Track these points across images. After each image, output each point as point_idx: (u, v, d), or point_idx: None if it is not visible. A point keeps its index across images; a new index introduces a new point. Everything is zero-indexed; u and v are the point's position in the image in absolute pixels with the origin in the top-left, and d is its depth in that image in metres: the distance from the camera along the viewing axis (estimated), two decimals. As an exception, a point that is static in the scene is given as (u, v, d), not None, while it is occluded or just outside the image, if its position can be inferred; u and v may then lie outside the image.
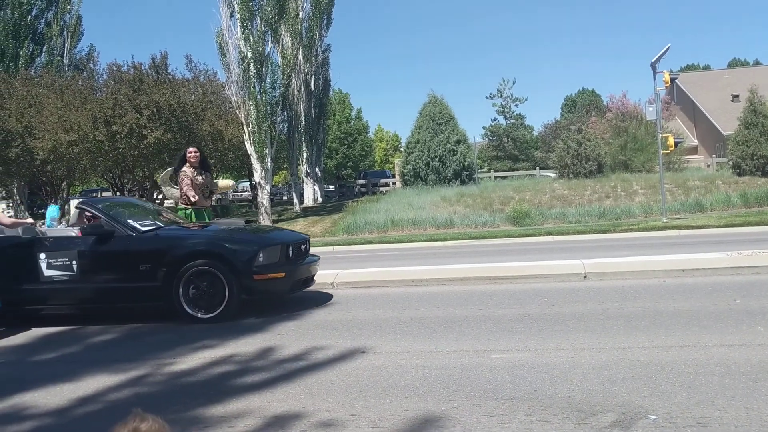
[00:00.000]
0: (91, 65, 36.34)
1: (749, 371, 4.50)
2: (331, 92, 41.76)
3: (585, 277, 8.84)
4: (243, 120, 25.35)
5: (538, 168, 43.44)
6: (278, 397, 4.64)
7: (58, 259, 7.57)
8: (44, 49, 36.34)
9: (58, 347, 6.83)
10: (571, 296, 7.71)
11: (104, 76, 29.17)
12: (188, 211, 9.69)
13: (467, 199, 26.11)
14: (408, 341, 6.03)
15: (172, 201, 10.37)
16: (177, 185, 9.99)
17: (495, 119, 57.36)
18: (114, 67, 25.77)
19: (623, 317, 6.38)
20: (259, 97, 25.25)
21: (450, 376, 4.84)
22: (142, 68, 24.43)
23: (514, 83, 59.04)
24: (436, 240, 19.29)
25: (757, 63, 60.94)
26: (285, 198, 41.66)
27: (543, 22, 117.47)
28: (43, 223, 9.00)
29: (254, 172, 26.48)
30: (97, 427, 4.36)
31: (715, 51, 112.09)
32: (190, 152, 9.85)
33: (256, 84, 25.27)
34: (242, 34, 25.16)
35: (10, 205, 32.49)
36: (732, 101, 42.63)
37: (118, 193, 33.90)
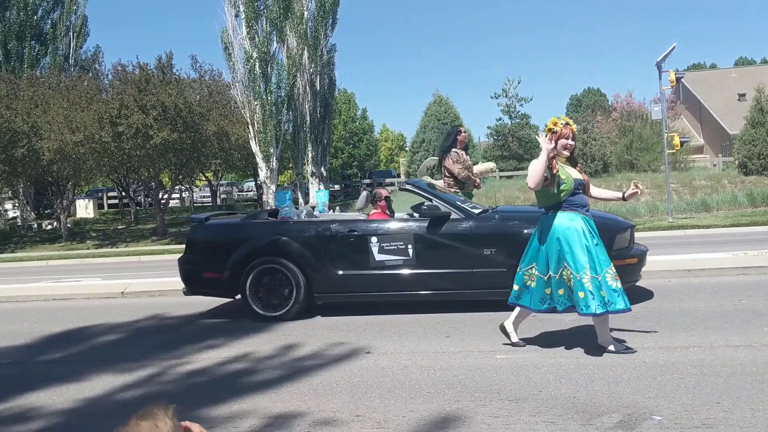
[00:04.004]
0: (97, 65, 36.46)
1: (755, 372, 4.49)
2: (336, 92, 41.71)
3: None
4: (248, 120, 25.37)
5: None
6: (283, 397, 4.66)
7: (392, 243, 7.10)
8: (50, 50, 36.44)
9: (64, 347, 6.86)
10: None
11: (110, 77, 29.24)
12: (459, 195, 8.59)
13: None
14: (413, 342, 6.03)
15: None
16: (441, 172, 9.03)
17: (500, 119, 57.05)
18: (119, 68, 25.81)
19: (628, 317, 6.36)
20: (264, 96, 25.27)
21: (455, 376, 4.84)
22: (148, 68, 24.45)
23: (519, 83, 58.60)
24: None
25: (764, 62, 60.72)
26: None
27: (547, 21, 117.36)
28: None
29: (259, 171, 26.51)
30: (103, 428, 4.37)
31: (721, 50, 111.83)
32: (462, 133, 9.01)
33: (261, 84, 25.29)
34: (247, 34, 25.18)
35: (16, 204, 32.60)
36: (738, 100, 42.46)
37: (123, 193, 34.05)
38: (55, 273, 15.67)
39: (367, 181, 44.27)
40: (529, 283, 5.30)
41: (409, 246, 7.04)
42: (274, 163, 26.07)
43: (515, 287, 5.39)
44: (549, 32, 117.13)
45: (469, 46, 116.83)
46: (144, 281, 11.21)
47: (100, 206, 38.67)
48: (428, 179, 9.39)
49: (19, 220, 31.39)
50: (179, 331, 7.29)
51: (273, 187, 26.50)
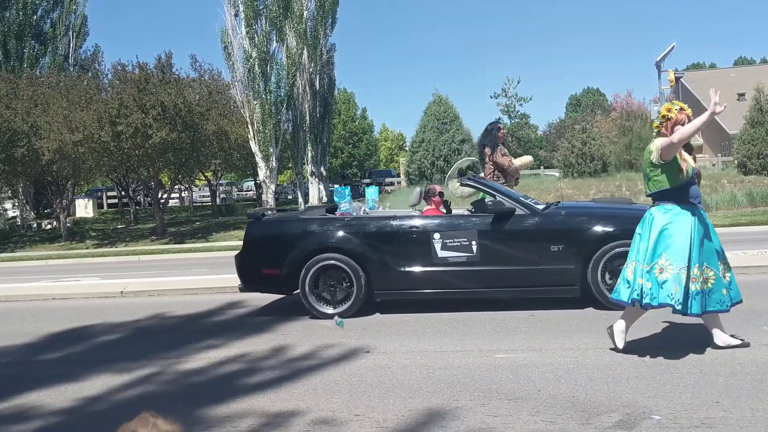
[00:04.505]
0: (96, 65, 36.47)
1: (755, 371, 4.48)
2: (336, 91, 41.73)
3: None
4: (248, 119, 25.39)
5: (542, 167, 43.37)
6: (282, 396, 4.65)
7: (456, 240, 6.98)
8: (49, 50, 36.43)
9: (63, 346, 6.85)
10: (571, 296, 7.69)
11: (109, 76, 29.25)
12: None
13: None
14: (412, 341, 6.03)
15: (460, 195, 9.02)
16: (483, 169, 8.81)
17: (499, 118, 57.31)
18: (119, 67, 25.84)
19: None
20: (263, 96, 25.29)
21: (454, 375, 4.84)
22: (148, 68, 24.46)
23: (518, 82, 58.86)
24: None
25: (763, 61, 60.69)
26: (290, 197, 41.67)
27: (547, 20, 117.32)
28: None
29: (259, 170, 26.52)
30: (102, 428, 4.37)
31: (720, 49, 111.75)
32: (501, 129, 8.82)
33: (260, 83, 25.31)
34: (247, 33, 25.20)
35: (15, 204, 32.59)
36: (738, 100, 42.41)
37: (123, 192, 34.04)
38: (55, 272, 15.66)
39: (367, 180, 44.30)
40: (702, 286, 4.83)
41: (473, 242, 6.94)
42: (274, 163, 26.08)
43: (675, 294, 4.80)
44: (549, 32, 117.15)
45: (469, 46, 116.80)
46: (143, 281, 11.21)
47: (100, 206, 38.64)
48: (454, 183, 9.26)
49: (18, 220, 31.38)
50: (178, 331, 7.28)
51: (272, 187, 26.50)
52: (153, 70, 25.12)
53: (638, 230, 5.09)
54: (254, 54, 25.13)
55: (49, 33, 36.72)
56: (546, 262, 6.82)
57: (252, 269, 7.64)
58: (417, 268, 7.10)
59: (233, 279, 10.59)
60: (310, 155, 34.90)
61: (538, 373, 4.75)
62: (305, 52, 30.90)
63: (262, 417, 4.24)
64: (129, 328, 7.59)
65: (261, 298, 8.54)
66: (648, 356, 5.01)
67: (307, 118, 33.90)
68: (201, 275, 12.24)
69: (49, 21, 37.16)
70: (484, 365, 5.07)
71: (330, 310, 7.19)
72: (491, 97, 57.73)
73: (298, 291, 7.36)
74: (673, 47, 18.62)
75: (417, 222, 7.25)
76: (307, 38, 30.93)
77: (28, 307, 9.77)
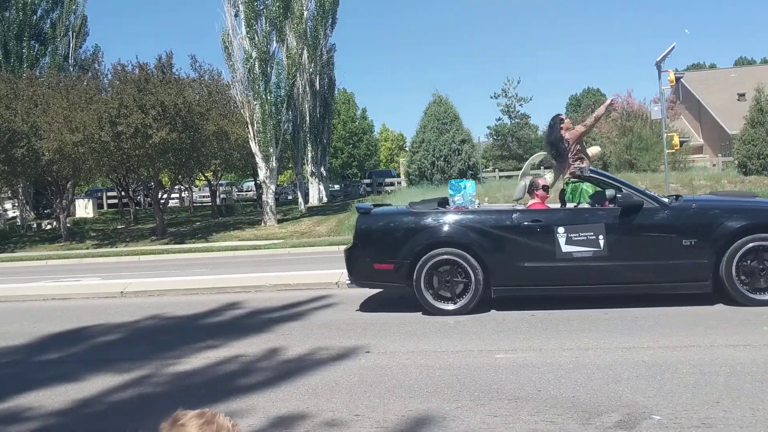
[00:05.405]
0: (96, 65, 36.43)
1: (755, 372, 4.48)
2: (336, 92, 41.80)
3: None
4: (248, 119, 25.37)
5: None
6: (282, 397, 4.64)
7: (581, 234, 6.74)
8: (49, 50, 36.41)
9: (63, 347, 6.85)
10: (572, 296, 7.69)
11: (109, 76, 29.22)
12: (583, 185, 8.02)
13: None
14: (412, 341, 6.02)
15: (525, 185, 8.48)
16: (561, 160, 8.47)
17: (500, 119, 57.24)
18: (119, 67, 25.82)
19: (628, 317, 6.36)
20: (264, 96, 25.26)
21: (454, 376, 4.83)
22: (148, 68, 24.46)
23: (518, 83, 58.84)
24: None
25: (764, 62, 60.64)
26: (290, 197, 41.67)
27: (547, 20, 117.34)
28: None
29: (259, 171, 26.48)
30: (101, 428, 4.37)
31: (721, 50, 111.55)
32: (565, 120, 8.57)
33: (261, 83, 25.27)
34: (247, 33, 25.16)
35: (15, 204, 32.59)
36: (738, 100, 42.44)
37: (123, 192, 34.04)
38: (55, 273, 15.65)
39: (367, 180, 44.28)
40: None
41: (600, 236, 6.70)
42: (274, 163, 26.05)
43: None
44: (549, 32, 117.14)
45: (469, 46, 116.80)
46: (143, 281, 11.20)
47: (100, 206, 38.63)
48: (525, 182, 8.75)
49: (18, 220, 31.37)
50: (178, 331, 7.28)
51: (273, 187, 26.49)
52: (153, 70, 25.12)
53: None
54: (254, 54, 25.11)
55: (49, 33, 36.71)
56: (677, 257, 6.64)
57: (363, 264, 7.39)
58: (539, 264, 6.83)
59: (233, 279, 10.63)
60: (310, 155, 34.92)
61: (538, 373, 4.74)
62: (305, 52, 30.92)
63: (262, 417, 4.24)
64: (129, 328, 7.58)
65: (261, 299, 8.54)
66: (648, 356, 5.00)
67: (307, 118, 33.94)
68: (201, 275, 12.24)
69: (48, 21, 37.14)
70: (484, 365, 5.06)
71: (445, 306, 6.98)
72: (491, 98, 57.65)
73: (406, 285, 7.12)
74: (673, 47, 18.59)
75: (540, 216, 7.02)
76: (307, 38, 30.94)
77: (28, 307, 9.77)
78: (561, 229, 6.78)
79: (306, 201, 33.00)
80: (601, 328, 6.01)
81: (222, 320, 7.77)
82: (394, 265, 7.12)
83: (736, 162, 27.49)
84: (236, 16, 25.53)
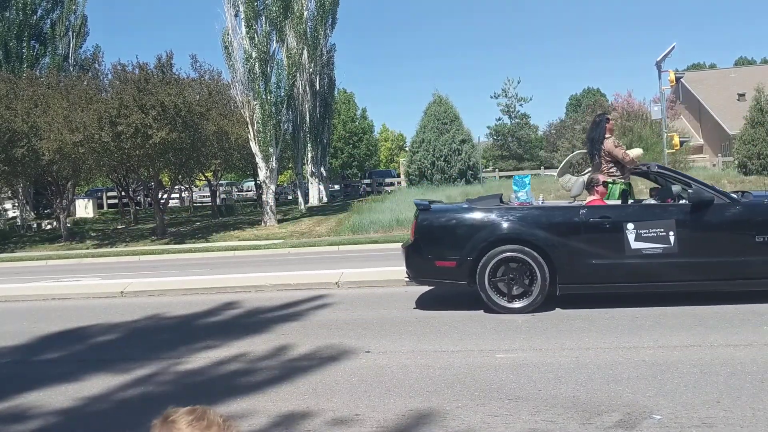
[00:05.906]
0: (96, 65, 36.42)
1: (755, 371, 4.48)
2: (336, 92, 41.80)
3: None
4: (248, 119, 25.37)
5: (542, 167, 43.35)
6: (283, 396, 4.64)
7: (651, 230, 6.64)
8: (49, 50, 36.41)
9: (63, 347, 6.84)
10: (575, 295, 7.69)
11: (109, 76, 29.21)
12: (621, 186, 7.92)
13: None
14: (412, 341, 6.02)
15: (570, 189, 8.41)
16: (594, 163, 8.29)
17: (500, 119, 57.39)
18: (119, 67, 25.82)
19: (628, 317, 6.36)
20: (264, 96, 25.26)
21: (454, 375, 4.83)
22: (148, 68, 24.46)
23: (518, 83, 58.94)
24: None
25: (764, 62, 60.63)
26: (290, 197, 41.68)
27: (547, 20, 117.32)
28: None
29: (259, 171, 26.50)
30: (102, 427, 4.37)
31: (721, 50, 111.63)
32: (610, 121, 8.39)
33: (261, 83, 25.28)
34: (247, 33, 25.17)
35: (15, 204, 32.59)
36: (738, 100, 42.44)
37: (123, 192, 34.03)
38: (55, 273, 15.65)
39: (367, 181, 44.28)
40: None
41: (671, 233, 6.61)
42: (274, 163, 26.06)
43: None
44: (549, 32, 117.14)
45: (469, 46, 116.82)
46: (143, 281, 11.20)
47: (100, 206, 38.63)
48: (569, 177, 8.70)
49: (18, 220, 31.38)
50: (178, 331, 7.27)
51: (273, 187, 26.50)
52: (153, 70, 25.11)
53: None
54: (254, 54, 25.11)
55: (49, 33, 36.71)
56: (750, 253, 6.57)
57: (424, 260, 7.21)
58: (608, 261, 6.74)
59: (233, 279, 10.63)
60: (310, 155, 34.92)
61: (538, 373, 4.74)
62: (305, 52, 30.91)
63: (263, 417, 4.24)
64: (129, 328, 7.58)
65: (261, 298, 8.54)
66: (648, 356, 5.00)
67: (307, 118, 33.93)
68: (201, 275, 12.24)
69: (48, 21, 37.14)
70: (484, 365, 5.06)
71: (510, 304, 6.84)
72: (491, 98, 57.75)
73: (467, 282, 7.00)
74: (673, 47, 18.61)
75: (608, 212, 6.89)
76: (307, 38, 30.94)
77: (28, 307, 9.77)
78: (630, 226, 6.69)
79: (306, 201, 33.00)
80: (601, 327, 6.01)
81: (222, 320, 7.77)
82: (457, 262, 6.97)
83: (736, 162, 27.51)
84: (236, 16, 25.54)
